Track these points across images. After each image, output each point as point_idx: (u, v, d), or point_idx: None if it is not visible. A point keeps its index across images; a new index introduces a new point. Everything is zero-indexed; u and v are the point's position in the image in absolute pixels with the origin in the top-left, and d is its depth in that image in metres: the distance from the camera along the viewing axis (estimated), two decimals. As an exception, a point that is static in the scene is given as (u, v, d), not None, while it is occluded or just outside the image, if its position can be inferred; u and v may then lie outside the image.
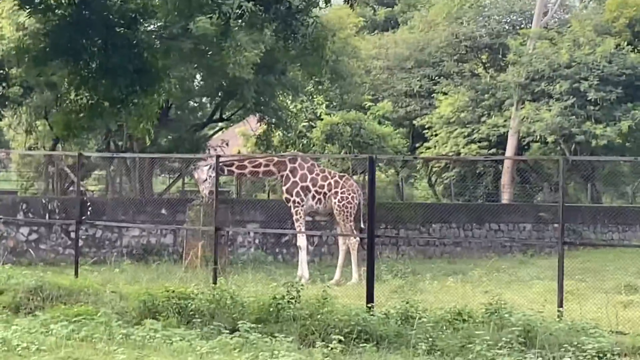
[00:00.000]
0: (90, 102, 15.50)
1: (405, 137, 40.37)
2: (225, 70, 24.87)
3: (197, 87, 33.62)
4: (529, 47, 39.13)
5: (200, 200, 23.09)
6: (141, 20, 15.36)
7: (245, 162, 23.06)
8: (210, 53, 25.18)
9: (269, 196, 38.97)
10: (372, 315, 13.71)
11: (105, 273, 19.45)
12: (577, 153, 35.87)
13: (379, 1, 52.77)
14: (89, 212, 23.69)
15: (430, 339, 12.37)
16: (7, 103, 29.29)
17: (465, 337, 12.29)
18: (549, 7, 43.97)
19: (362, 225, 22.65)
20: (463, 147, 39.98)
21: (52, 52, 15.24)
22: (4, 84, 27.03)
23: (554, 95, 36.31)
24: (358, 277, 21.59)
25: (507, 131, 39.14)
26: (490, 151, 39.55)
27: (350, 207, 22.79)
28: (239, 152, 38.99)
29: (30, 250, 24.20)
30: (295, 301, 13.99)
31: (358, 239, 22.07)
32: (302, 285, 14.98)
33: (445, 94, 41.40)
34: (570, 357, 11.42)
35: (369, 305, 14.54)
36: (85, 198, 25.78)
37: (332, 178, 23.06)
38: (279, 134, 35.51)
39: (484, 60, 44.07)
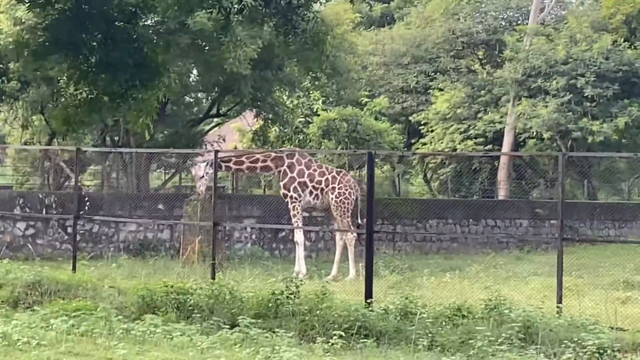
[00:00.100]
0: (89, 96, 15.45)
1: (401, 133, 40.34)
2: (223, 65, 24.85)
3: (193, 83, 33.55)
4: (525, 43, 39.11)
5: (197, 197, 23.08)
6: (141, 15, 15.30)
7: (243, 158, 23.06)
8: (207, 48, 25.19)
9: (264, 191, 38.98)
10: (371, 311, 13.72)
11: (102, 268, 19.45)
12: (573, 149, 35.84)
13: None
14: (86, 207, 23.67)
15: (430, 335, 12.38)
16: (3, 98, 29.24)
17: (465, 333, 12.30)
18: (545, 3, 43.91)
19: (359, 221, 22.70)
20: (459, 143, 39.95)
21: (51, 46, 15.19)
22: (2, 79, 26.96)
23: (550, 91, 36.30)
24: (355, 272, 21.60)
25: (504, 127, 39.11)
26: (486, 147, 39.52)
27: (348, 203, 22.80)
28: (235, 148, 38.97)
29: (28, 245, 24.15)
30: (295, 296, 14.00)
31: (355, 234, 22.10)
32: (301, 280, 14.97)
33: (441, 90, 41.37)
34: (570, 354, 11.43)
35: (368, 300, 14.55)
36: (83, 193, 25.76)
37: (329, 174, 23.07)
38: (275, 130, 35.48)
39: (480, 57, 44.05)
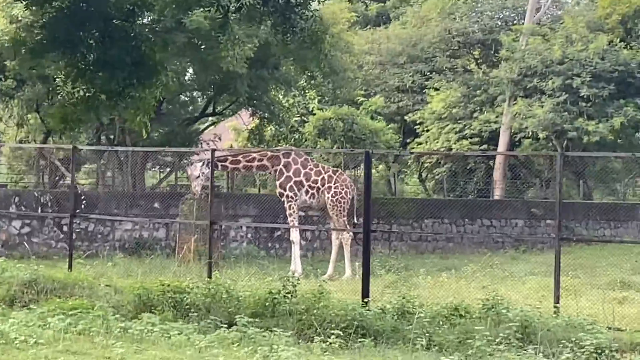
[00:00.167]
0: (87, 94, 15.40)
1: (397, 132, 40.32)
2: (219, 64, 24.81)
3: (189, 81, 33.51)
4: (521, 43, 39.13)
5: (192, 196, 23.07)
6: (138, 13, 15.27)
7: (239, 157, 23.06)
8: (203, 47, 25.14)
9: (259, 191, 38.96)
10: (368, 310, 13.69)
11: (98, 267, 19.41)
12: (568, 149, 35.86)
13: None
14: (82, 206, 23.62)
15: (427, 334, 12.36)
16: (-1, 96, 29.25)
17: (463, 333, 12.28)
18: (541, 3, 43.93)
19: (355, 221, 22.69)
20: (454, 143, 39.94)
21: (49, 44, 15.14)
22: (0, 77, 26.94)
23: (546, 91, 36.32)
24: (351, 272, 21.60)
25: (499, 127, 39.11)
26: (482, 147, 39.51)
27: (344, 202, 22.81)
28: (231, 147, 38.93)
29: (24, 243, 24.10)
30: (292, 296, 13.97)
31: (351, 233, 22.10)
32: (298, 280, 14.94)
33: (437, 89, 41.35)
34: (569, 354, 11.41)
35: (365, 300, 14.52)
36: (79, 191, 25.72)
37: (325, 173, 23.07)
38: (271, 129, 35.45)
39: (476, 56, 44.07)
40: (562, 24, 40.00)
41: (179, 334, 12.15)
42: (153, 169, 43.50)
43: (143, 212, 25.70)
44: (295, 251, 22.58)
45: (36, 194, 25.62)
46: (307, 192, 22.91)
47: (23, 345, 11.36)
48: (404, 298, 14.05)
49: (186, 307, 14.02)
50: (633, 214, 35.33)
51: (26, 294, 15.33)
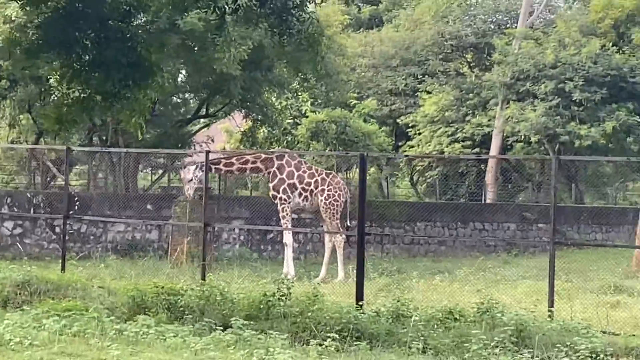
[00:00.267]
0: (82, 95, 15.37)
1: (389, 135, 40.32)
2: (212, 65, 24.80)
3: (182, 83, 33.44)
4: (514, 46, 39.17)
5: (184, 198, 23.08)
6: (135, 14, 15.25)
7: (233, 159, 23.05)
8: (197, 49, 25.11)
9: (251, 193, 38.95)
10: (362, 313, 13.69)
11: (90, 268, 19.42)
12: (560, 153, 35.90)
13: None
14: (76, 207, 23.60)
15: (422, 338, 12.36)
16: (-10, 96, 29.16)
17: (458, 336, 12.29)
18: (534, 7, 44.03)
19: (347, 223, 22.72)
20: (447, 146, 39.93)
21: (44, 44, 15.09)
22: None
23: (539, 95, 36.35)
24: (344, 274, 21.62)
25: (491, 131, 39.12)
26: (474, 150, 39.55)
27: (337, 205, 22.83)
28: (223, 149, 38.91)
29: (18, 244, 24.06)
30: (286, 298, 13.97)
31: (344, 236, 22.14)
32: (292, 282, 14.95)
33: (429, 92, 41.36)
34: (564, 358, 11.45)
35: (359, 303, 14.52)
36: (73, 192, 25.68)
37: (318, 175, 23.10)
38: (264, 131, 35.43)
39: (469, 60, 44.11)
40: (554, 28, 40.07)
41: (174, 336, 12.14)
42: (144, 171, 43.42)
43: (135, 213, 25.68)
44: (288, 254, 22.59)
45: (28, 195, 25.58)
46: (300, 194, 22.93)
47: (18, 347, 11.34)
48: (398, 301, 14.07)
49: (180, 309, 14.01)
50: (624, 218, 35.37)
51: (19, 295, 15.27)
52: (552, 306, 14.12)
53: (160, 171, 40.85)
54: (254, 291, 14.64)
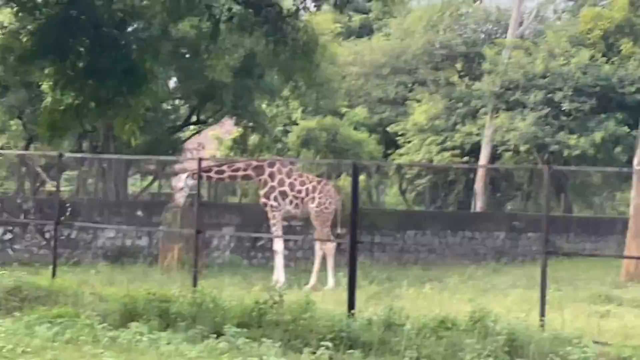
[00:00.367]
0: (76, 102, 15.37)
1: (378, 143, 40.34)
2: (204, 73, 24.83)
3: (173, 90, 33.43)
4: (504, 56, 39.24)
5: (174, 206, 23.06)
6: (129, 21, 15.28)
7: (224, 167, 23.07)
8: (188, 56, 25.14)
9: (240, 200, 38.94)
10: (354, 321, 13.68)
11: (80, 274, 19.38)
12: (550, 163, 35.98)
13: (354, 8, 52.70)
14: (67, 213, 23.56)
15: (415, 347, 12.34)
16: (-20, 103, 29.08)
17: (451, 346, 12.28)
18: (524, 17, 44.13)
19: (338, 231, 22.73)
20: (436, 155, 39.97)
21: (38, 51, 15.11)
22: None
23: (528, 104, 36.46)
24: (334, 282, 21.62)
25: (481, 140, 39.21)
26: (463, 159, 39.62)
27: (328, 212, 22.87)
28: (213, 156, 38.90)
29: (8, 250, 24.00)
30: (278, 306, 13.95)
31: (335, 244, 22.16)
32: (284, 290, 14.95)
33: (419, 101, 41.40)
34: (557, 367, 11.47)
35: (351, 311, 14.51)
36: (64, 198, 25.65)
37: (310, 183, 23.13)
38: (254, 138, 35.43)
39: (459, 69, 44.11)
40: (544, 38, 40.18)
41: (167, 344, 12.10)
42: (134, 177, 43.35)
43: (126, 220, 25.65)
44: (279, 261, 22.60)
45: (18, 201, 25.53)
46: (291, 202, 22.97)
47: (11, 354, 11.27)
48: (390, 310, 14.05)
49: (172, 316, 13.94)
50: (613, 228, 35.49)
51: (10, 302, 15.21)
52: (544, 315, 14.13)
53: (150, 177, 40.79)
54: (246, 298, 14.61)
